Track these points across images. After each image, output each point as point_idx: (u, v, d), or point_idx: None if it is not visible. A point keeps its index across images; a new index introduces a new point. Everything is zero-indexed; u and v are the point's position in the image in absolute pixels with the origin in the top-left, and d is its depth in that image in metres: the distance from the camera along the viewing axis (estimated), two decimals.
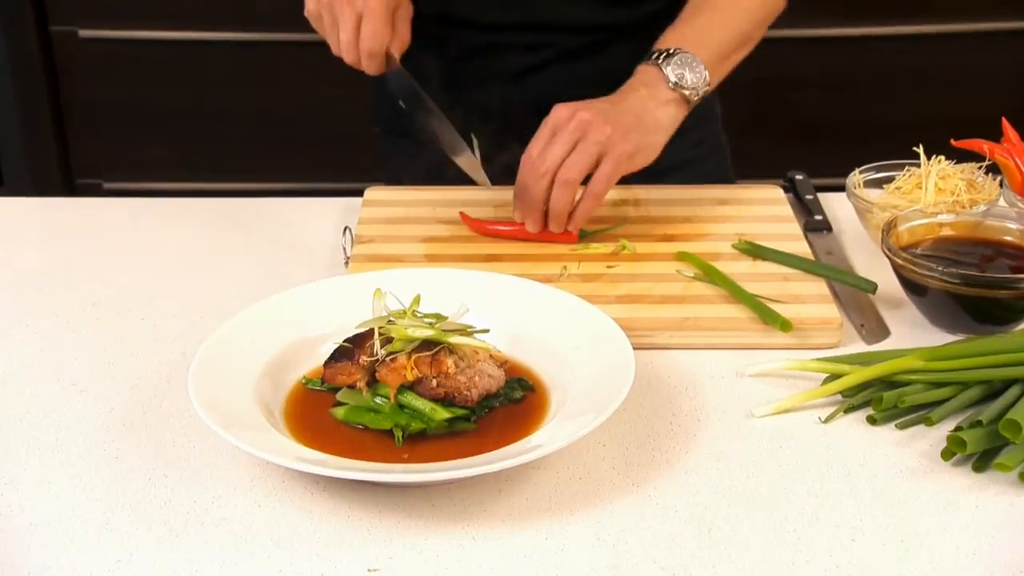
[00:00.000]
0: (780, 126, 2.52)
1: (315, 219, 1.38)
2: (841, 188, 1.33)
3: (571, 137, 1.21)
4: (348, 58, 1.24)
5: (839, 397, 1.03)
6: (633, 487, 0.93)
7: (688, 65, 1.26)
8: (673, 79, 1.26)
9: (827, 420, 1.01)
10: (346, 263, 1.24)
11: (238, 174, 2.52)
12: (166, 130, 2.55)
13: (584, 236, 1.26)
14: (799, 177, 1.43)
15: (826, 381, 1.04)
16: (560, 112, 1.23)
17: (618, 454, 0.97)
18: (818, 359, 1.06)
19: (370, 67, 1.24)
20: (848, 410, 1.02)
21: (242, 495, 0.92)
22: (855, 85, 2.50)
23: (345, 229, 1.28)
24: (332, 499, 0.92)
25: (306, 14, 1.26)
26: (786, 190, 1.41)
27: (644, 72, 1.28)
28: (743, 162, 1.62)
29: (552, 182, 1.22)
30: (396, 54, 1.24)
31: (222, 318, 1.07)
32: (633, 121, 1.23)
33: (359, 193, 1.39)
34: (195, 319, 1.17)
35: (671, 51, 1.27)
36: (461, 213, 1.30)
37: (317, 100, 2.48)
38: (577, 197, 1.23)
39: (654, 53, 1.28)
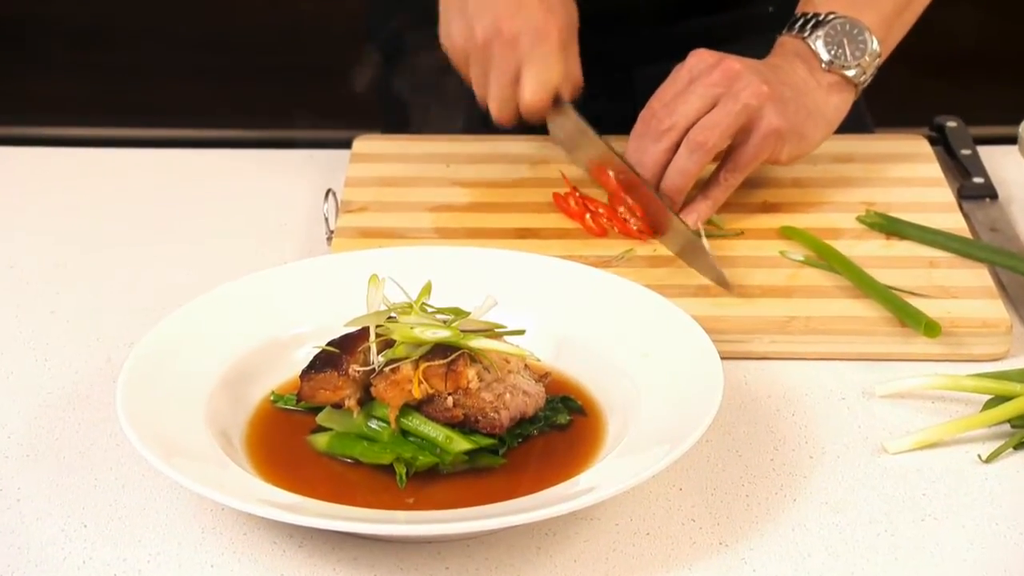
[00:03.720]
0: (927, 56, 2.51)
1: (285, 179, 1.39)
2: (1011, 140, 1.33)
3: (712, 90, 1.21)
4: (499, 115, 1.27)
5: (1006, 427, 1.04)
6: (720, 547, 0.94)
7: (847, 35, 1.25)
8: (827, 56, 1.25)
9: (989, 459, 1.02)
10: (328, 239, 1.26)
11: (177, 117, 2.53)
12: (75, 57, 2.57)
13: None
14: (952, 124, 1.44)
15: (988, 405, 1.05)
16: (702, 57, 1.23)
17: (699, 502, 0.98)
18: (977, 375, 1.07)
19: (531, 118, 1.27)
20: (1019, 446, 1.03)
21: (189, 552, 0.94)
22: None
23: (327, 193, 1.30)
24: (311, 558, 0.93)
25: (443, 45, 1.28)
26: (933, 142, 1.42)
27: (790, 44, 1.27)
28: (875, 104, 1.63)
29: (676, 144, 1.22)
30: (566, 96, 1.27)
31: (161, 312, 1.09)
32: (793, 96, 1.22)
33: (346, 144, 1.40)
34: (124, 313, 1.19)
35: (821, 16, 1.26)
36: (555, 194, 1.28)
37: (287, 15, 2.49)
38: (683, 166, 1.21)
39: (798, 20, 1.27)
